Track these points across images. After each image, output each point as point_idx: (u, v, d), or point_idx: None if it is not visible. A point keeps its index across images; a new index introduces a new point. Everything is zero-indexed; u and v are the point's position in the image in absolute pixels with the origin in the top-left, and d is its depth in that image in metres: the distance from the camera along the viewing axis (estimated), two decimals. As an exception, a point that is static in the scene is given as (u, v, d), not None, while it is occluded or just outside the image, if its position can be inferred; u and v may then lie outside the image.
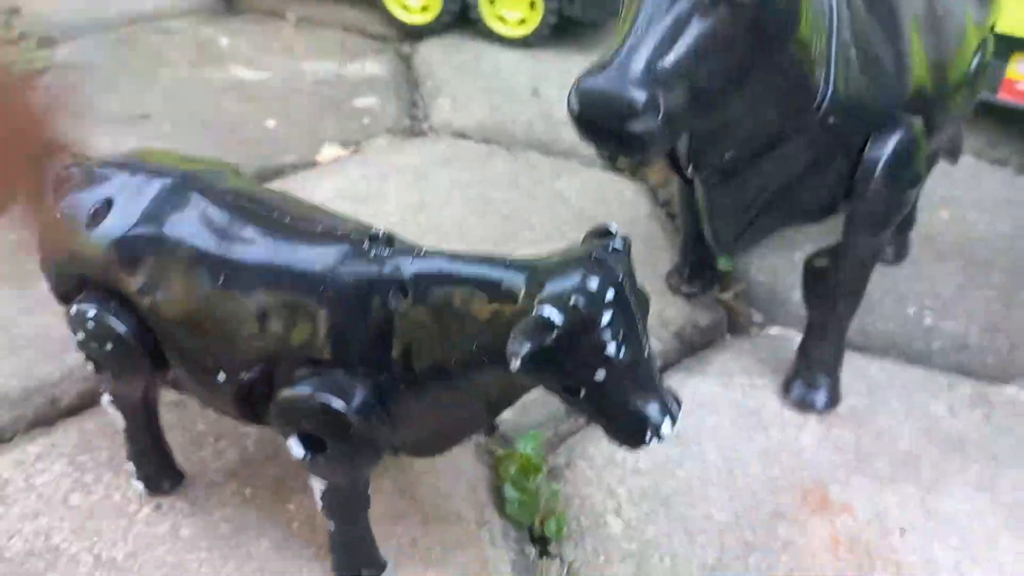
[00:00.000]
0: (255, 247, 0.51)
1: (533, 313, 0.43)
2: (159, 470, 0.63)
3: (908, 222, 0.93)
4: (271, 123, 1.16)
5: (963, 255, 0.96)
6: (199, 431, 0.69)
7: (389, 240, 0.50)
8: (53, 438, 0.68)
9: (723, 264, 0.90)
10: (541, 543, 0.64)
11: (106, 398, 0.59)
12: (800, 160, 0.62)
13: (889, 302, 0.88)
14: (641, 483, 0.68)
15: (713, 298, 0.89)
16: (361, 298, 0.49)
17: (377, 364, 0.49)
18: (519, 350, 0.42)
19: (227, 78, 1.27)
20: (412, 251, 0.50)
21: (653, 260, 0.94)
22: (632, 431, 0.46)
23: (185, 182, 0.54)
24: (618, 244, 0.45)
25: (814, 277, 0.71)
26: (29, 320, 0.78)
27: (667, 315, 0.86)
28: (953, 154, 0.94)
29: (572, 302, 0.42)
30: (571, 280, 0.43)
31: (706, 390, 0.77)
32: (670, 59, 0.48)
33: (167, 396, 0.71)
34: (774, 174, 0.62)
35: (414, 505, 0.64)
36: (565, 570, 0.62)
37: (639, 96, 0.46)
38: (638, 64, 0.47)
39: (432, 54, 1.37)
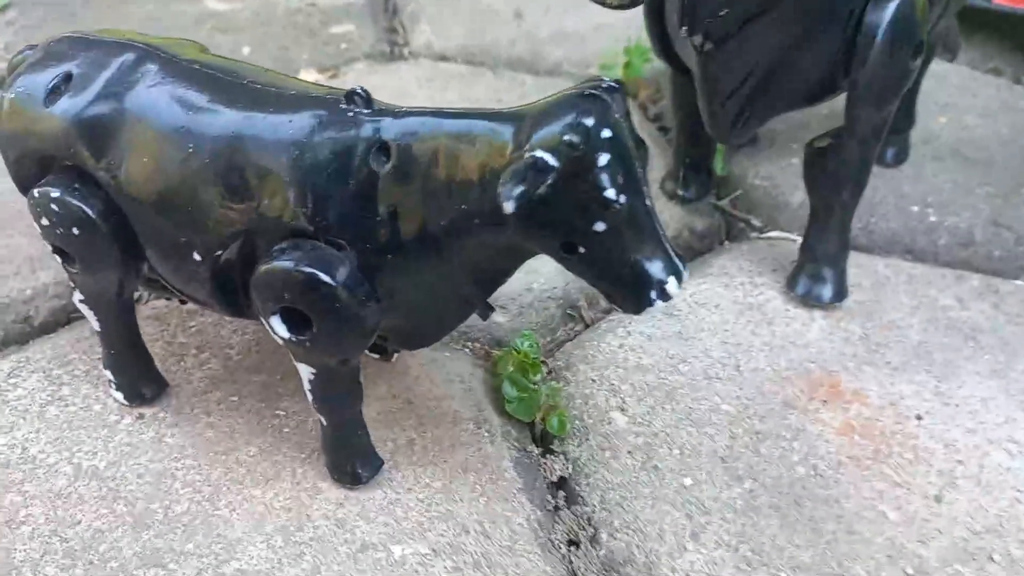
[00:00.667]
0: (224, 115, 0.47)
1: (525, 156, 0.40)
2: (139, 377, 0.60)
3: (907, 123, 0.90)
4: (246, 51, 1.12)
5: (963, 156, 0.93)
6: (180, 343, 0.66)
7: (367, 100, 0.46)
8: (27, 354, 0.65)
9: (720, 168, 0.87)
10: (543, 442, 0.62)
11: (77, 295, 0.56)
12: (798, 24, 0.59)
13: (891, 201, 0.86)
14: (645, 379, 0.65)
15: (709, 204, 0.86)
16: (340, 162, 0.45)
17: (361, 233, 0.45)
18: (511, 193, 0.39)
19: (199, 10, 1.22)
20: (392, 110, 0.46)
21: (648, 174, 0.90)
22: (636, 291, 0.44)
23: (147, 54, 0.50)
24: (612, 84, 0.42)
25: (816, 158, 0.68)
26: (-2, 240, 0.75)
27: (663, 220, 0.82)
28: (950, 49, 0.91)
29: (566, 140, 0.39)
30: (563, 120, 0.40)
31: (706, 289, 0.74)
32: None
33: (144, 311, 0.68)
34: (770, 41, 0.59)
35: (409, 408, 0.62)
36: (570, 466, 0.59)
37: None
38: None
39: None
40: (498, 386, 0.64)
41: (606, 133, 0.40)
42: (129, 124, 0.48)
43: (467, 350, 0.69)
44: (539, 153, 0.39)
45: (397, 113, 0.46)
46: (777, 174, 0.89)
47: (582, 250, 0.42)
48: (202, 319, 0.68)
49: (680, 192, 0.84)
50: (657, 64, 1.08)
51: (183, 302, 0.60)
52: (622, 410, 0.63)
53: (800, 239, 0.81)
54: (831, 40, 0.61)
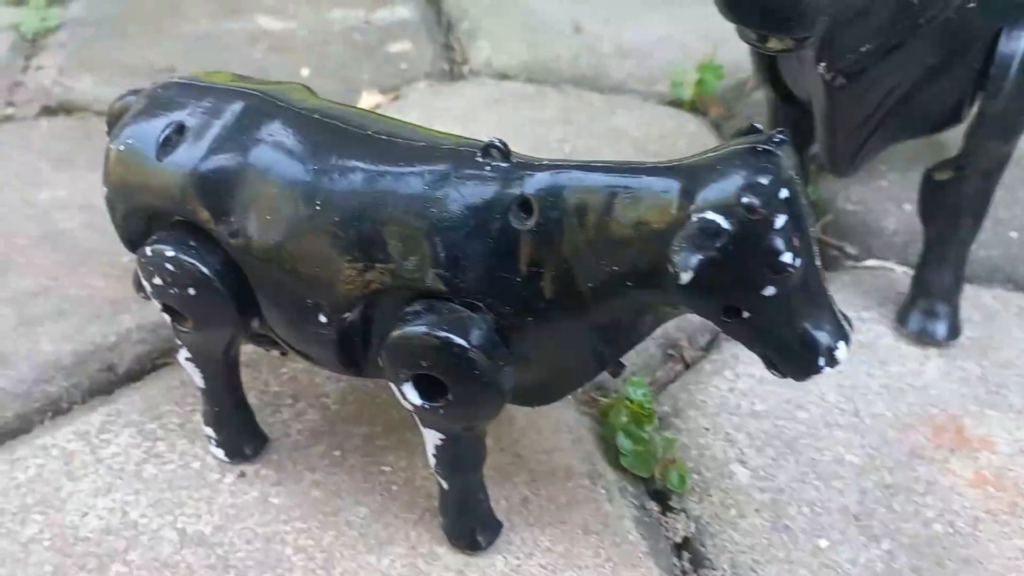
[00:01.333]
0: (353, 170, 0.44)
1: (695, 219, 0.37)
2: (241, 433, 0.57)
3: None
4: (305, 72, 1.09)
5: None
6: (274, 392, 0.63)
7: (505, 151, 0.43)
8: (116, 406, 0.63)
9: (812, 193, 0.83)
10: (659, 497, 0.59)
11: (183, 354, 0.53)
12: (930, 56, 0.56)
13: (988, 227, 0.82)
14: (762, 427, 0.62)
15: (801, 231, 0.83)
16: (479, 219, 0.42)
17: (499, 293, 0.43)
18: (688, 263, 0.36)
19: (252, 29, 1.20)
20: (532, 163, 0.43)
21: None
22: (802, 358, 0.41)
23: (263, 102, 0.48)
24: (783, 136, 0.39)
25: (934, 191, 0.65)
26: (74, 280, 0.72)
27: (757, 250, 0.79)
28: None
29: (744, 203, 0.36)
30: (736, 177, 0.37)
31: (813, 326, 0.71)
32: None
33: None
34: (901, 74, 0.56)
35: (519, 462, 0.59)
36: (693, 526, 0.56)
37: None
38: None
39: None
40: (608, 436, 0.61)
41: (783, 193, 0.37)
42: (250, 179, 0.46)
43: (570, 396, 0.66)
44: (710, 216, 0.36)
45: (538, 166, 0.43)
46: (869, 197, 0.86)
47: (746, 315, 0.39)
48: (293, 365, 0.65)
49: (773, 220, 0.80)
50: (728, 81, 1.05)
51: (283, 353, 0.57)
52: (742, 462, 0.60)
53: (899, 267, 0.78)
54: (961, 71, 0.58)
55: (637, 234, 0.40)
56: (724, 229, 0.36)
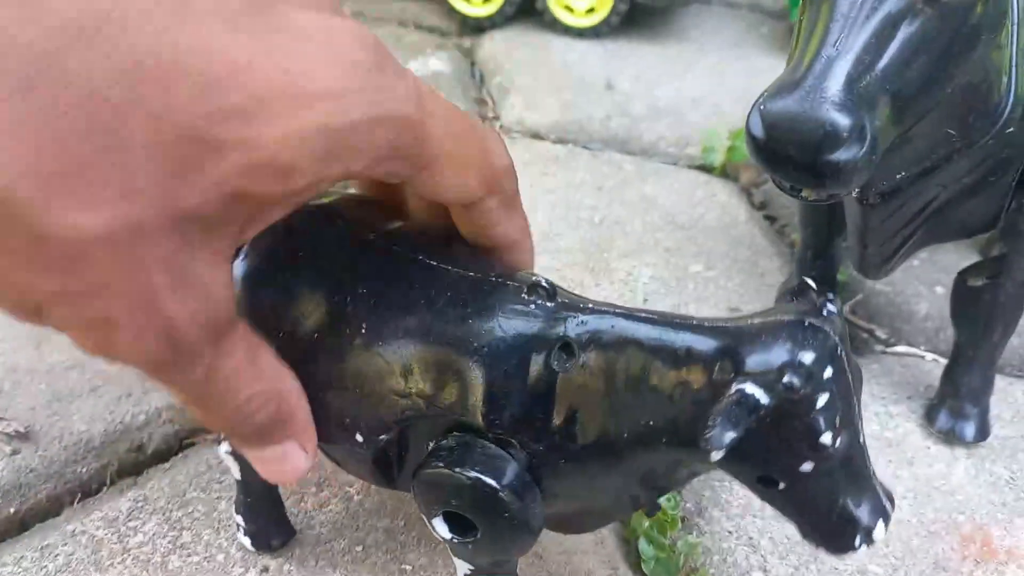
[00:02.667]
0: (402, 297, 0.45)
1: (733, 390, 0.37)
2: (270, 525, 0.58)
3: None
4: (337, 128, 1.10)
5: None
6: (299, 484, 0.64)
7: (551, 291, 0.43)
8: (143, 491, 0.63)
9: (841, 275, 0.83)
10: (680, 603, 0.59)
11: (224, 448, 0.54)
12: (968, 175, 0.55)
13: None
14: (785, 531, 0.62)
15: (830, 313, 0.82)
16: (521, 357, 0.42)
17: (534, 433, 0.43)
18: (722, 440, 0.36)
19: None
20: (579, 304, 0.43)
21: (759, 269, 0.87)
22: (838, 535, 0.40)
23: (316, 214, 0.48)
24: (832, 307, 0.39)
25: (967, 296, 0.64)
26: (107, 356, 0.73)
27: (785, 334, 0.79)
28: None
29: (785, 382, 0.36)
30: (780, 351, 0.37)
31: (840, 421, 0.70)
32: (876, 72, 0.41)
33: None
34: (938, 191, 0.56)
35: (540, 564, 0.59)
36: (713, 636, 0.56)
37: (844, 120, 0.40)
38: (838, 80, 0.40)
39: (496, 48, 1.30)
40: (630, 538, 0.61)
41: (828, 372, 0.37)
42: (300, 294, 0.46)
43: (592, 489, 0.66)
44: (749, 389, 0.36)
45: (583, 309, 0.43)
46: (900, 279, 0.85)
47: (782, 486, 0.39)
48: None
49: (802, 304, 0.80)
50: (760, 146, 1.04)
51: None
52: (764, 570, 0.59)
53: (929, 355, 0.78)
54: (1000, 185, 0.57)
55: (675, 393, 0.40)
56: (762, 404, 0.36)
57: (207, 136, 0.29)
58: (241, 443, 0.42)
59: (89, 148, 0.28)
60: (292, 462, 0.43)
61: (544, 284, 0.43)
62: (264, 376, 0.40)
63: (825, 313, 0.38)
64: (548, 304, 0.43)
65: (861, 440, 0.39)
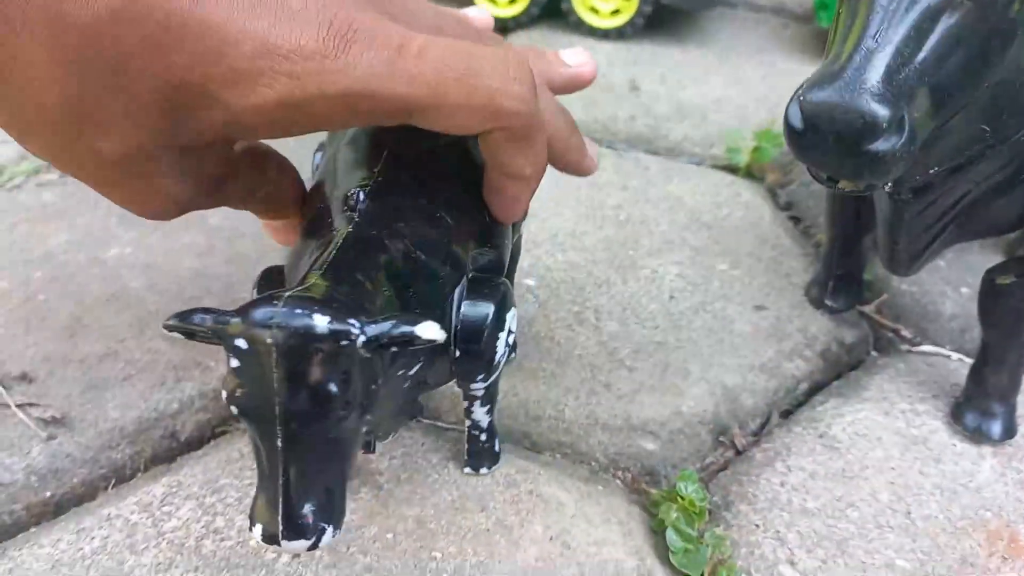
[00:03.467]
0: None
1: None
2: None
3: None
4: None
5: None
6: (330, 469, 0.65)
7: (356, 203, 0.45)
8: (177, 477, 0.64)
9: (867, 274, 0.83)
10: (708, 594, 0.59)
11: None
12: (1000, 172, 0.56)
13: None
14: (812, 525, 0.62)
15: (856, 312, 0.83)
16: None
17: None
18: None
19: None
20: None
21: (785, 268, 0.88)
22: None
23: None
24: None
25: (995, 295, 0.64)
26: (140, 343, 0.74)
27: (811, 332, 0.79)
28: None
29: None
30: None
31: (866, 418, 0.71)
32: (915, 65, 0.41)
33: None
34: (970, 188, 0.56)
35: (569, 553, 0.59)
36: (741, 627, 0.57)
37: (883, 111, 0.40)
38: (877, 71, 0.41)
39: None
40: (657, 528, 0.61)
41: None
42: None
43: (619, 481, 0.66)
44: None
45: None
46: (925, 278, 0.85)
47: None
48: (349, 441, 0.67)
49: (828, 303, 0.80)
50: (786, 147, 1.05)
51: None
52: (792, 563, 0.60)
53: (955, 355, 0.78)
54: None
55: None
56: None
57: (201, 92, 0.38)
58: None
59: (108, 93, 0.37)
60: None
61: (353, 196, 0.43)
62: None
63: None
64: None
65: (277, 444, 0.34)
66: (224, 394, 0.34)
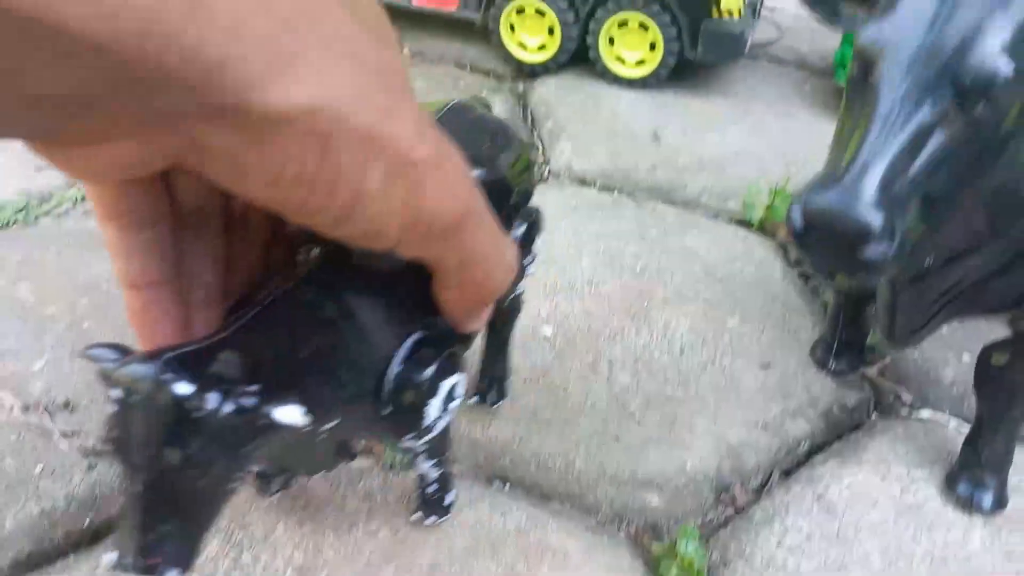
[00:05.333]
0: None
1: None
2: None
3: None
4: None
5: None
6: (351, 509, 0.68)
7: None
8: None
9: (872, 338, 0.86)
10: (703, 648, 0.62)
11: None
12: (995, 261, 0.59)
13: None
14: (805, 587, 0.65)
15: (859, 374, 0.86)
16: None
17: None
18: None
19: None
20: None
21: (792, 325, 0.91)
22: None
23: None
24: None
25: (991, 372, 0.68)
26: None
27: (815, 392, 0.83)
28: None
29: None
30: None
31: (864, 481, 0.74)
32: (909, 176, 0.45)
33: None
34: (968, 272, 0.59)
35: (572, 602, 0.63)
36: None
37: (875, 220, 0.44)
38: (872, 182, 0.44)
39: (549, 93, 1.35)
40: (658, 583, 0.65)
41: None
42: None
43: (623, 533, 0.70)
44: None
45: None
46: (927, 345, 0.88)
47: None
48: (369, 482, 0.70)
49: (832, 365, 0.84)
50: (800, 204, 1.08)
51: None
52: (784, 622, 0.63)
53: (953, 420, 0.81)
54: None
55: None
56: None
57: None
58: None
59: None
60: None
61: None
62: None
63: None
64: None
65: (136, 489, 0.35)
66: (105, 432, 0.35)
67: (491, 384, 0.76)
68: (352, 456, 0.53)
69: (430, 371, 0.46)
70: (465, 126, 0.51)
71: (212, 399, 0.34)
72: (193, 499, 0.36)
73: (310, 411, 0.37)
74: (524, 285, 0.65)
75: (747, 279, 0.98)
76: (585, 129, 1.26)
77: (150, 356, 0.34)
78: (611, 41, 1.34)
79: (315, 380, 0.40)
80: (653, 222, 1.07)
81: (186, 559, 0.37)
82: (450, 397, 0.50)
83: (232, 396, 0.35)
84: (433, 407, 0.48)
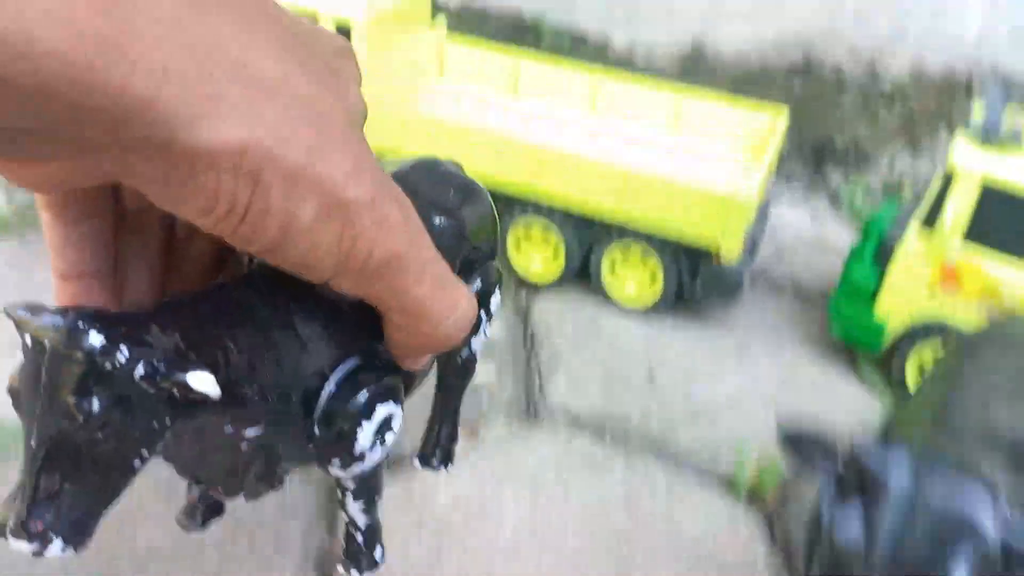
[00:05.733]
0: None
1: None
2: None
3: None
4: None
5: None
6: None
7: None
8: None
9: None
10: None
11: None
12: None
13: None
14: None
15: None
16: None
17: None
18: None
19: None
20: None
21: None
22: None
23: None
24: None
25: None
26: None
27: None
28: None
29: None
30: None
31: None
32: None
33: None
34: None
35: None
36: None
37: None
38: None
39: (550, 312, 1.39)
40: None
41: None
42: None
43: None
44: None
45: None
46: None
47: None
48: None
49: None
50: (785, 476, 1.11)
51: None
52: None
53: None
54: None
55: None
56: None
57: None
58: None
59: None
60: None
61: None
62: None
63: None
64: None
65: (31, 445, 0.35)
66: (9, 379, 0.34)
67: (436, 447, 0.72)
68: (278, 484, 0.51)
69: (365, 395, 0.45)
70: (433, 177, 0.52)
71: (123, 353, 0.33)
72: (94, 465, 0.34)
73: (229, 404, 0.36)
74: (478, 346, 0.63)
75: (729, 560, 1.00)
76: (582, 359, 1.29)
77: (66, 310, 0.33)
78: (613, 269, 1.38)
79: (238, 373, 0.38)
80: (642, 486, 1.09)
81: (77, 533, 0.34)
82: (385, 426, 0.48)
83: (145, 357, 0.33)
84: (365, 434, 0.46)
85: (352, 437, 0.45)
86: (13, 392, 0.33)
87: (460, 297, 0.37)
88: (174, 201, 0.27)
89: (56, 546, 0.33)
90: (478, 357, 0.59)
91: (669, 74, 1.86)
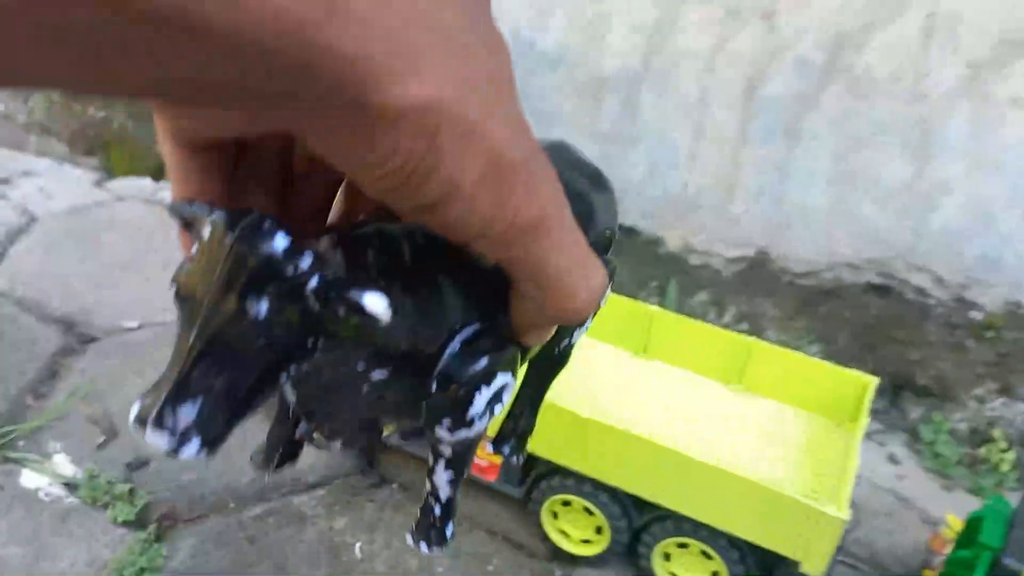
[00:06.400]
0: None
1: None
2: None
3: None
4: None
5: None
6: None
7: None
8: None
9: None
10: None
11: None
12: None
13: None
14: None
15: None
16: None
17: None
18: None
19: None
20: None
21: None
22: None
23: None
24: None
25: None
26: None
27: None
28: None
29: None
30: None
31: None
32: None
33: None
34: None
35: None
36: None
37: None
38: None
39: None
40: None
41: None
42: None
43: None
44: None
45: None
46: None
47: None
48: None
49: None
50: None
51: None
52: None
53: None
54: None
55: None
56: None
57: None
58: None
59: None
60: None
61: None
62: None
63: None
64: None
65: (190, 337, 0.33)
66: (174, 274, 0.34)
67: (511, 435, 0.62)
68: (376, 439, 0.47)
69: (486, 361, 0.43)
70: (566, 159, 0.49)
71: (306, 260, 0.32)
72: (245, 371, 0.33)
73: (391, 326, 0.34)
74: (578, 338, 0.55)
75: None
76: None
77: (251, 209, 0.33)
78: (667, 557, 1.18)
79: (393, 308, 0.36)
80: None
81: (214, 434, 0.33)
82: (497, 397, 0.45)
83: (322, 270, 0.33)
84: (481, 399, 0.43)
85: (468, 401, 0.46)
86: (179, 287, 0.34)
87: (596, 271, 0.36)
88: (342, 157, 0.27)
89: (193, 446, 0.33)
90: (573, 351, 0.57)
91: (726, 279, 1.69)
